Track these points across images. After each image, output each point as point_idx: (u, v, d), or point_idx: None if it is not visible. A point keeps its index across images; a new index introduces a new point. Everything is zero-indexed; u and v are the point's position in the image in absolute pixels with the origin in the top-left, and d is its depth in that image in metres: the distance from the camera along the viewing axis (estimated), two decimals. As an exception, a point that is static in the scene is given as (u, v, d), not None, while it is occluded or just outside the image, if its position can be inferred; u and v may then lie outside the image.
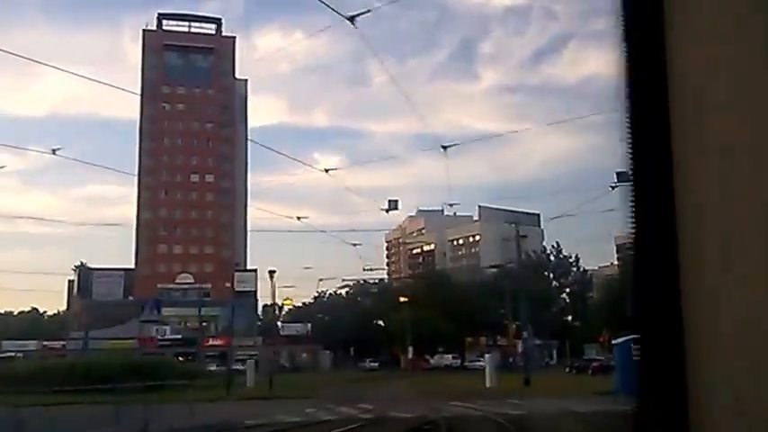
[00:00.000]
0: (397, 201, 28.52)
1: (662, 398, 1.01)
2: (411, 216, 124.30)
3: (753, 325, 0.95)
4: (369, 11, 18.17)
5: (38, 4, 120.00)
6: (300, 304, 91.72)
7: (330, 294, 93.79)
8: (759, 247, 0.96)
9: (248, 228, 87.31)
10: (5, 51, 22.33)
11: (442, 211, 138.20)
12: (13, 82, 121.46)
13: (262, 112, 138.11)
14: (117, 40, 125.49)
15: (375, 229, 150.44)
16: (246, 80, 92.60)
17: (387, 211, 26.60)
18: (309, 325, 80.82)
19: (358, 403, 24.66)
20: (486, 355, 42.46)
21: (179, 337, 71.19)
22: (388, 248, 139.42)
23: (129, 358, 40.77)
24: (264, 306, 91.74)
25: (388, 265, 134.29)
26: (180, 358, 67.61)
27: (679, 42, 1.06)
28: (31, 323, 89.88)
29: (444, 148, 27.23)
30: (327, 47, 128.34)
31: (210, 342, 75.27)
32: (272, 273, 45.95)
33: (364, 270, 42.99)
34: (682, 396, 0.99)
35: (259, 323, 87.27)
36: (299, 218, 39.46)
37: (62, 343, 69.29)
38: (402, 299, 74.34)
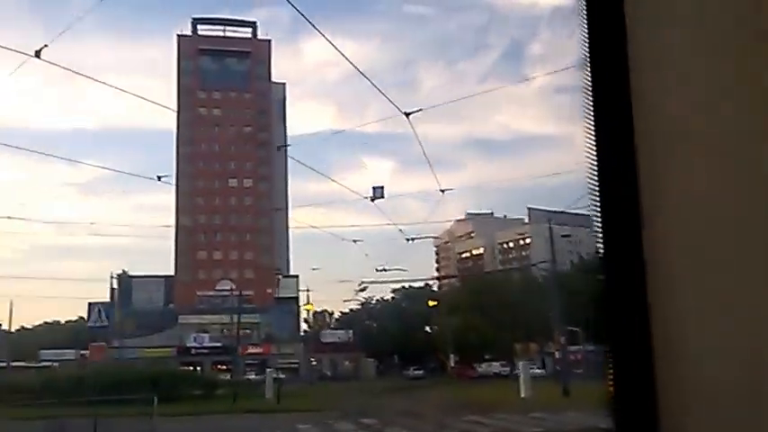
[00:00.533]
0: (382, 188, 25.57)
1: (634, 414, 0.98)
2: (459, 219, 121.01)
3: (727, 341, 0.93)
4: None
5: (94, 18, 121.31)
6: (348, 310, 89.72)
7: (377, 300, 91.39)
8: (730, 261, 0.93)
9: (290, 232, 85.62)
10: (59, 66, 21.65)
11: (492, 213, 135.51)
12: (69, 95, 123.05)
13: (312, 119, 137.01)
14: (169, 52, 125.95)
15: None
16: (284, 84, 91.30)
17: (372, 199, 23.78)
18: (351, 332, 78.25)
19: (364, 418, 22.24)
20: (520, 363, 39.59)
21: (218, 344, 69.55)
22: (436, 253, 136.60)
23: (145, 368, 38.95)
24: (315, 313, 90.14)
25: (437, 270, 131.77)
26: (220, 366, 66.41)
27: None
28: (78, 332, 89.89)
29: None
30: (376, 52, 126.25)
31: (250, 350, 73.64)
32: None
33: (377, 270, 40.71)
34: (653, 410, 0.95)
35: (308, 330, 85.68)
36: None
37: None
38: (448, 304, 71.65)
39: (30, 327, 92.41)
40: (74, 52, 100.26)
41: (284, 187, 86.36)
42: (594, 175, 1.06)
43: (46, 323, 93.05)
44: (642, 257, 0.98)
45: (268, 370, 41.40)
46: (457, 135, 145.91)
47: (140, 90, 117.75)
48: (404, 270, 54.86)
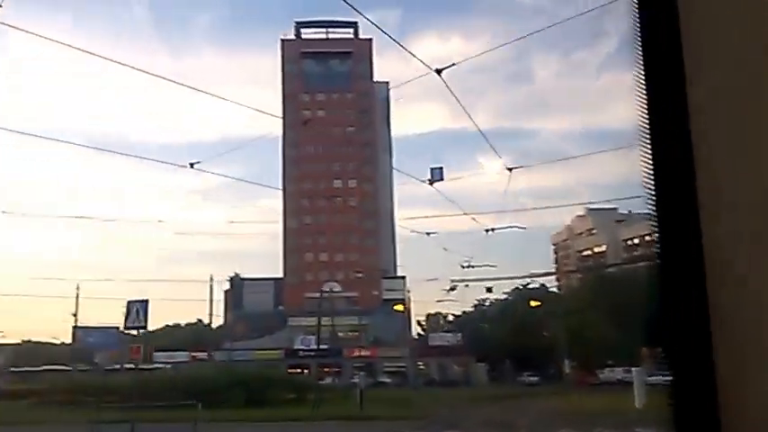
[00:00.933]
0: (441, 169, 21.80)
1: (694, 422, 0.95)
2: (579, 215, 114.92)
3: None
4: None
5: (204, 32, 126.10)
6: (460, 313, 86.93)
7: (492, 302, 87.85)
8: None
9: (396, 233, 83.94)
10: (174, 82, 21.20)
11: (616, 208, 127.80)
12: (185, 107, 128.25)
13: (422, 119, 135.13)
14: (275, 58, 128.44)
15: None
16: (387, 83, 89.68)
17: (430, 182, 20.33)
18: (460, 335, 75.18)
19: (450, 429, 19.73)
20: (633, 370, 35.82)
21: (325, 347, 68.70)
22: (555, 251, 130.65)
23: (237, 371, 38.13)
24: (428, 315, 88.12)
25: (556, 268, 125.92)
26: (326, 369, 65.61)
27: None
28: (196, 334, 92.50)
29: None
30: (486, 47, 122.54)
31: (357, 353, 72.42)
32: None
33: (462, 267, 36.98)
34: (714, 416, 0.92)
35: (422, 334, 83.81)
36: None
37: (210, 354, 69.68)
38: (567, 305, 67.31)
39: (153, 329, 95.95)
40: (190, 67, 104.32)
41: (390, 188, 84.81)
42: (650, 171, 1.04)
43: (167, 326, 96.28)
44: (701, 256, 0.95)
45: (357, 374, 39.34)
46: (574, 128, 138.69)
47: (250, 98, 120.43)
48: (493, 266, 50.02)
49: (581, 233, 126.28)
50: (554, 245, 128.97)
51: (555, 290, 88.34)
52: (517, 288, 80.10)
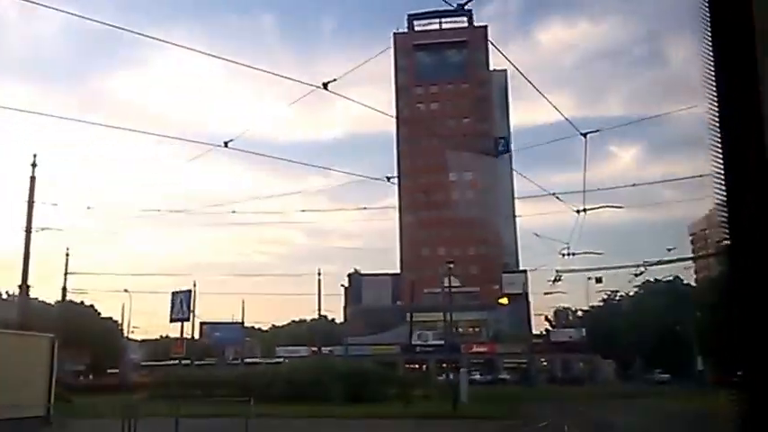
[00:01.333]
0: (505, 139, 19.69)
1: None
2: (720, 204, 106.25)
3: None
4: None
5: (332, 35, 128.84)
6: (588, 307, 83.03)
7: (621, 296, 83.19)
8: None
9: (517, 226, 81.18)
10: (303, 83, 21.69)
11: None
12: (315, 108, 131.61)
13: (547, 109, 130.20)
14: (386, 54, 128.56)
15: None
16: (505, 71, 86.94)
17: (496, 155, 18.45)
18: (584, 330, 71.51)
19: None
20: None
21: (442, 342, 67.68)
22: (692, 242, 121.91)
23: (336, 366, 37.82)
24: (556, 311, 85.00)
25: (693, 261, 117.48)
26: (443, 365, 64.59)
27: None
28: (321, 330, 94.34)
29: None
30: (615, 32, 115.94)
31: (475, 348, 70.78)
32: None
33: (561, 255, 32.82)
34: None
35: (552, 329, 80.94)
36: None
37: (329, 349, 70.49)
38: (704, 299, 62.22)
39: (279, 325, 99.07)
40: (311, 67, 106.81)
41: (510, 179, 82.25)
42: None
43: (293, 321, 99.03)
44: None
45: (462, 370, 37.87)
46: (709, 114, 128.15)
47: (368, 96, 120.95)
48: (598, 253, 44.96)
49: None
50: (691, 236, 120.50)
51: (690, 282, 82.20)
52: (648, 281, 75.25)
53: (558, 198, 20.80)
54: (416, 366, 65.65)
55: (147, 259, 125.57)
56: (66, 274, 45.66)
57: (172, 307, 28.91)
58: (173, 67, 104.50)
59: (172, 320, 42.02)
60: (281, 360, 62.11)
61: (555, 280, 38.93)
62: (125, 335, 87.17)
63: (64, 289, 46.90)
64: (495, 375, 64.99)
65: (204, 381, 33.45)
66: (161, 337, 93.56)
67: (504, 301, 64.10)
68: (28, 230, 27.57)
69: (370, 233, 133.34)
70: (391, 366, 56.56)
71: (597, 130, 19.05)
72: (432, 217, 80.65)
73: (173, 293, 45.27)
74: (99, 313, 75.81)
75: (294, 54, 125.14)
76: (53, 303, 73.74)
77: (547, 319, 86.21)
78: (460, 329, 79.54)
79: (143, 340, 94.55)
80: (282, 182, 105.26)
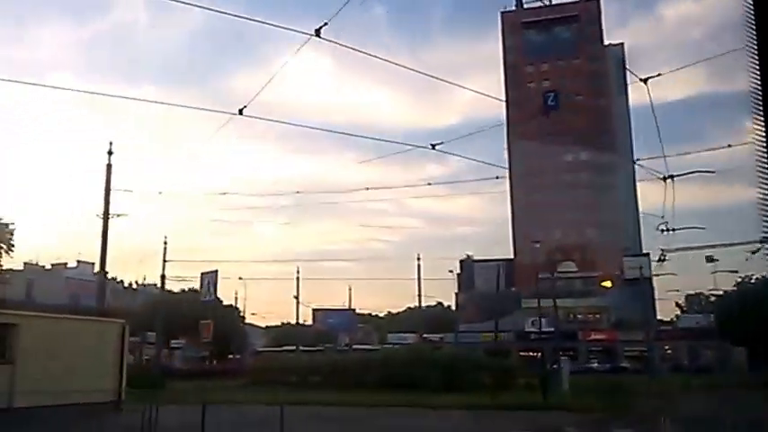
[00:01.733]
0: (555, 93, 16.65)
1: None
2: None
3: None
4: None
5: (441, 22, 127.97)
6: (722, 292, 77.23)
7: (758, 278, 76.53)
8: None
9: (640, 207, 76.76)
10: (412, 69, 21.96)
11: None
12: (424, 96, 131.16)
13: (675, 85, 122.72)
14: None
15: None
16: (622, 44, 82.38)
17: (545, 113, 16.05)
18: (712, 316, 66.37)
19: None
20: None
21: (558, 330, 65.37)
22: None
23: (428, 353, 36.89)
24: (687, 295, 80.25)
25: None
26: (559, 353, 62.22)
27: None
28: (436, 317, 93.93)
29: None
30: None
31: (593, 336, 67.71)
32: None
33: (661, 231, 28.62)
34: None
35: (683, 314, 76.40)
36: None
37: (440, 336, 69.91)
38: None
39: (395, 312, 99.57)
40: (422, 53, 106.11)
41: (631, 158, 77.88)
42: None
43: (409, 308, 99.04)
44: None
45: (563, 358, 35.89)
46: None
47: (478, 81, 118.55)
48: (700, 228, 39.84)
49: None
50: None
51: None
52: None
53: (640, 165, 18.89)
54: (531, 354, 63.71)
55: (260, 246, 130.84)
56: (164, 261, 47.20)
57: (201, 287, 29.09)
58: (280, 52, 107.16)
59: (203, 302, 42.81)
60: (388, 347, 62.06)
61: (660, 260, 35.71)
62: (246, 322, 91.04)
63: (163, 277, 48.74)
64: (614, 364, 61.88)
65: (301, 367, 33.78)
66: (282, 323, 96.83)
67: (608, 284, 60.78)
68: (105, 217, 27.93)
69: (483, 219, 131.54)
70: (504, 354, 55.23)
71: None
72: (546, 200, 77.87)
73: (201, 274, 46.28)
74: (221, 301, 79.09)
75: (406, 42, 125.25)
76: (177, 291, 77.92)
77: (677, 304, 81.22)
78: (579, 316, 76.51)
79: (267, 327, 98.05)
80: (398, 170, 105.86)
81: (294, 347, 59.28)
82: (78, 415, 15.97)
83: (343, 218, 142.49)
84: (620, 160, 76.60)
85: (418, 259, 60.66)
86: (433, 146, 17.27)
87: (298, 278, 62.28)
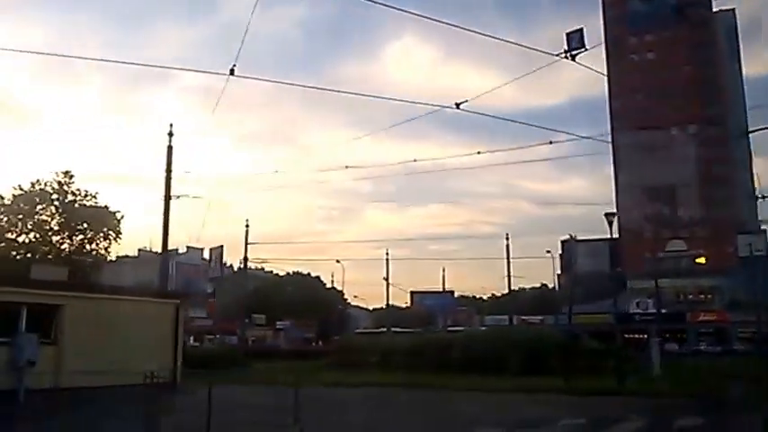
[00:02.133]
0: (581, 31, 13.98)
1: None
2: None
3: None
4: None
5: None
6: None
7: None
8: None
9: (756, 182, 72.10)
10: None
11: None
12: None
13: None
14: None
15: None
16: (733, 9, 77.36)
17: (568, 56, 13.64)
18: (838, 295, 61.34)
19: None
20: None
21: (664, 311, 62.87)
22: None
23: (510, 335, 36.23)
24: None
25: None
26: (667, 335, 59.90)
27: None
28: (540, 299, 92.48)
29: None
30: None
31: (702, 317, 64.59)
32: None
33: (758, 198, 25.76)
34: None
35: None
36: None
37: (539, 318, 68.85)
38: None
39: (499, 295, 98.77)
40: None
41: (744, 130, 73.20)
42: None
43: (513, 290, 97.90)
44: None
45: (653, 340, 34.15)
46: None
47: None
48: None
49: None
50: None
51: None
52: None
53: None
54: (635, 336, 61.66)
55: (367, 230, 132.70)
56: (246, 244, 48.89)
57: (209, 264, 28.49)
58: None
59: (210, 279, 43.31)
60: (484, 327, 61.80)
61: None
62: (352, 304, 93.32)
63: (245, 259, 50.60)
64: (726, 346, 58.88)
65: (382, 348, 33.74)
66: (386, 305, 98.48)
67: (702, 260, 57.55)
68: (167, 198, 27.84)
69: (588, 197, 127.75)
70: (607, 336, 53.72)
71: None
72: (652, 176, 74.52)
73: (211, 250, 46.15)
74: (324, 284, 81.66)
75: (515, 23, 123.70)
76: (283, 275, 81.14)
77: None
78: (690, 296, 73.15)
79: (374, 309, 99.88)
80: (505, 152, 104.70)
81: (384, 329, 60.05)
82: (123, 395, 15.42)
83: (450, 200, 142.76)
84: (732, 133, 72.20)
85: (507, 239, 59.99)
86: (458, 105, 16.81)
87: (387, 260, 63.23)
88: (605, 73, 72.13)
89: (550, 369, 26.51)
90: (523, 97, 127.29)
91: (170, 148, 28.28)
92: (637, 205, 75.41)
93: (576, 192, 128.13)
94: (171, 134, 28.25)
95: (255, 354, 44.41)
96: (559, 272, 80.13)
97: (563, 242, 79.83)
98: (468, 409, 17.54)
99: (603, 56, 74.18)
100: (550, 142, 25.72)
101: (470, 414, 16.55)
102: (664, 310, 63.69)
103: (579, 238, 77.60)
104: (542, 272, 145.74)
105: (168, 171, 28.21)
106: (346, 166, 35.15)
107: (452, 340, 33.83)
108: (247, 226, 48.66)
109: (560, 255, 79.82)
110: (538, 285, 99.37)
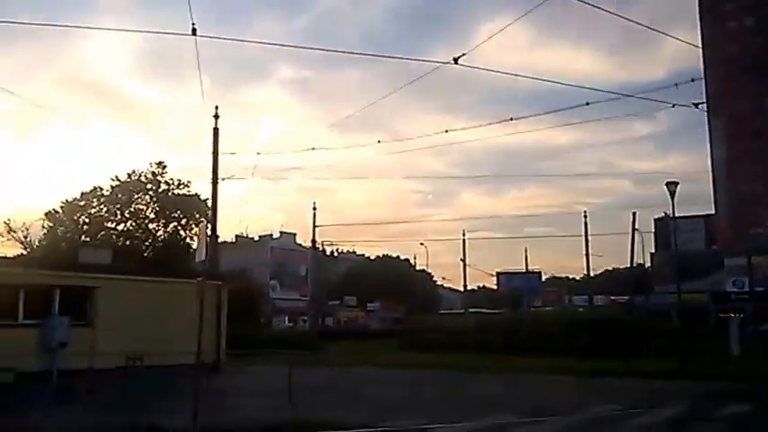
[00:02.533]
0: None
1: None
2: None
3: None
4: None
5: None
6: None
7: None
8: None
9: None
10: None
11: None
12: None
13: None
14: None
15: None
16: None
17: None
18: None
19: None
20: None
21: (761, 289, 60.26)
22: None
23: (578, 316, 35.84)
24: None
25: None
26: (764, 314, 57.31)
27: None
28: (634, 278, 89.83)
29: None
30: None
31: (806, 296, 60.94)
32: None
33: None
34: None
35: None
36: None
37: (626, 297, 67.27)
38: None
39: (593, 275, 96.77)
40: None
41: None
42: None
43: (607, 270, 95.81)
44: None
45: (732, 319, 32.72)
46: None
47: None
48: None
49: None
50: None
51: None
52: None
53: None
54: (730, 315, 59.48)
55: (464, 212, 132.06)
56: (314, 226, 50.65)
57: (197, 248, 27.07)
58: None
59: (201, 261, 42.91)
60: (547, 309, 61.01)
61: None
62: (444, 286, 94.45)
63: (313, 241, 52.31)
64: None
65: (453, 329, 34.03)
66: (478, 287, 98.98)
67: None
68: (214, 182, 27.68)
69: (684, 173, 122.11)
70: (701, 315, 52.36)
71: None
72: (750, 150, 70.93)
73: (199, 234, 45.92)
74: (414, 266, 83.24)
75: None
76: (373, 258, 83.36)
77: None
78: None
79: (464, 291, 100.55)
80: (601, 129, 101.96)
81: (463, 311, 59.97)
82: (176, 375, 15.63)
83: (547, 181, 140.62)
84: None
85: (585, 216, 59.32)
86: (456, 60, 15.24)
87: (464, 240, 63.47)
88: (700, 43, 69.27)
89: (616, 350, 25.39)
90: (621, 72, 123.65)
91: (216, 130, 27.77)
92: (735, 179, 72.15)
93: (675, 169, 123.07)
94: (217, 116, 27.78)
95: (343, 334, 46.46)
96: (653, 250, 77.75)
97: (656, 220, 77.36)
98: (487, 392, 17.27)
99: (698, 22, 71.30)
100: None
101: (485, 396, 16.27)
102: (760, 288, 61.00)
103: (676, 215, 75.03)
104: (636, 251, 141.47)
105: (215, 153, 27.74)
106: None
107: (520, 321, 33.65)
108: (314, 209, 50.63)
109: (653, 233, 77.42)
110: (629, 265, 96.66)
